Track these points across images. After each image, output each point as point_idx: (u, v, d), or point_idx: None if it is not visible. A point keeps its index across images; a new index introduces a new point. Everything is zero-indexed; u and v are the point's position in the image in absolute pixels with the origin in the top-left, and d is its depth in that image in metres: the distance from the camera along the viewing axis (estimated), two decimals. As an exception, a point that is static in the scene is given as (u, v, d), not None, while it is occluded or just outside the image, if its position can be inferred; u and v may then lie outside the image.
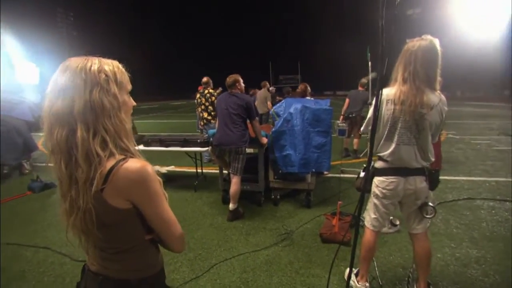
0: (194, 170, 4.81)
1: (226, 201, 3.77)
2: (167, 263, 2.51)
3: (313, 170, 3.52)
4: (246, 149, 3.40)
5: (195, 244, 2.86)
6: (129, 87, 0.88)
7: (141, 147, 4.38)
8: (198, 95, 5.65)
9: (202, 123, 5.70)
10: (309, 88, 4.69)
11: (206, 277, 2.36)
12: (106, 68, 0.80)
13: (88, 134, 0.75)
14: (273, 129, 3.65)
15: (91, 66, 0.78)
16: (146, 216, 0.85)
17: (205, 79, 5.59)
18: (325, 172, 4.00)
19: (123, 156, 0.80)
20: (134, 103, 0.91)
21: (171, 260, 2.57)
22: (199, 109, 5.68)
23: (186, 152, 4.37)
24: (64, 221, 0.83)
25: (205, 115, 5.58)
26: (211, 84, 5.69)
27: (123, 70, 0.87)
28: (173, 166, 5.70)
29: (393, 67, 1.79)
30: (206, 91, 5.49)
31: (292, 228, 3.15)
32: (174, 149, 4.32)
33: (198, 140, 4.22)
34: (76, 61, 0.78)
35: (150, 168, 0.81)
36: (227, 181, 3.74)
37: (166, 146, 4.32)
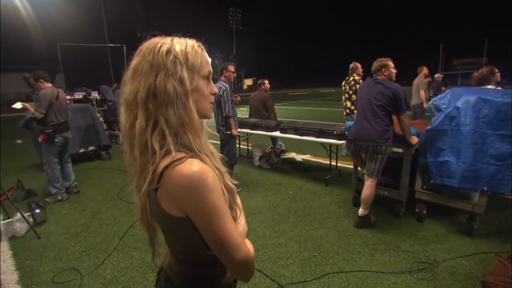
0: (328, 163, 4.57)
1: (357, 203, 3.36)
2: (279, 257, 2.50)
3: (485, 188, 2.53)
4: (389, 148, 2.84)
5: (313, 244, 2.71)
6: (206, 70, 0.74)
7: (278, 133, 4.56)
8: (343, 82, 5.26)
9: (345, 113, 5.32)
10: (497, 73, 3.26)
11: (315, 285, 2.18)
12: (177, 48, 0.69)
13: (148, 124, 0.68)
14: (429, 126, 2.86)
15: (160, 47, 0.68)
16: (200, 231, 0.69)
17: (352, 64, 5.11)
18: (508, 195, 2.82)
19: (182, 155, 0.67)
20: (215, 90, 0.77)
21: (284, 254, 2.54)
22: (343, 98, 5.30)
23: (322, 143, 4.19)
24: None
25: (348, 104, 5.15)
26: (359, 71, 5.13)
27: (199, 50, 0.73)
28: (309, 155, 5.65)
29: None
30: (351, 78, 5.02)
31: (437, 257, 2.43)
32: (308, 139, 4.24)
33: (335, 132, 3.94)
34: (149, 43, 0.71)
35: (211, 175, 0.65)
36: (361, 181, 3.31)
37: (301, 135, 4.29)
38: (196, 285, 0.81)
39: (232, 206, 0.76)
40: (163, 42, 0.70)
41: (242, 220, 0.83)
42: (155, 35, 0.74)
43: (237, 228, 0.72)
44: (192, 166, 0.64)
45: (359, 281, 2.20)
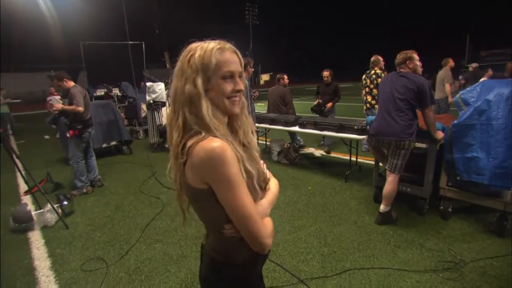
0: (348, 158, 4.48)
1: (378, 199, 3.29)
2: (299, 252, 2.50)
3: (518, 186, 2.41)
4: (412, 143, 2.75)
5: (333, 240, 2.68)
6: (225, 70, 0.81)
7: (297, 128, 4.52)
8: (363, 76, 5.13)
9: (365, 107, 5.19)
10: None
11: (335, 281, 2.16)
12: (196, 54, 0.80)
13: (174, 117, 0.83)
14: (456, 121, 2.74)
15: (187, 54, 0.82)
16: (220, 201, 0.78)
17: (373, 58, 4.96)
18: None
19: (207, 135, 0.78)
20: (238, 87, 0.84)
21: (304, 249, 2.53)
22: (363, 92, 5.17)
23: (342, 138, 4.12)
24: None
25: (369, 98, 5.01)
26: (381, 64, 4.98)
27: (217, 53, 0.80)
28: (327, 148, 5.57)
29: None
30: (372, 72, 4.88)
31: (464, 257, 2.34)
32: (328, 134, 4.18)
33: (355, 127, 3.86)
34: (186, 50, 0.84)
35: (229, 150, 0.75)
36: (382, 177, 3.23)
37: (321, 130, 4.23)
38: (223, 254, 0.90)
39: (250, 190, 0.82)
40: (191, 49, 0.83)
41: (263, 202, 0.89)
42: (191, 42, 0.85)
43: (254, 204, 0.81)
44: (212, 142, 0.75)
45: (381, 278, 2.16)
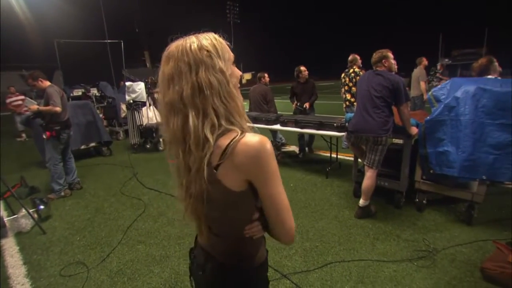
0: (329, 155, 4.59)
1: (357, 194, 3.40)
2: (282, 248, 2.54)
3: (484, 177, 2.57)
4: (389, 139, 2.87)
5: (314, 235, 2.75)
6: (232, 56, 0.80)
7: (278, 126, 4.58)
8: (343, 75, 5.25)
9: (344, 105, 5.32)
10: (495, 63, 3.27)
11: (317, 274, 2.22)
12: (205, 43, 0.75)
13: (199, 119, 0.73)
14: (428, 117, 2.88)
15: (190, 45, 0.74)
16: (261, 196, 0.78)
17: (351, 56, 5.10)
18: (507, 183, 2.85)
19: (239, 132, 0.74)
20: (240, 73, 0.84)
21: (287, 245, 2.59)
22: (342, 90, 5.29)
23: (322, 136, 4.22)
24: (181, 206, 0.87)
25: (348, 96, 5.14)
26: (359, 62, 5.12)
27: (221, 40, 0.79)
28: (307, 148, 5.67)
29: None
30: (351, 70, 5.01)
31: (437, 246, 2.48)
32: (308, 131, 4.26)
33: (335, 124, 3.95)
34: (176, 46, 0.76)
35: (269, 144, 0.74)
36: (361, 172, 3.34)
37: (301, 128, 4.30)
38: (237, 258, 0.89)
39: None
40: (190, 41, 0.75)
41: None
42: (176, 38, 0.79)
43: None
44: (253, 138, 0.73)
45: (360, 270, 2.25)
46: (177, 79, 0.74)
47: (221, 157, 0.72)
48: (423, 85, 6.49)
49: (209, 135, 0.73)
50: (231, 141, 0.72)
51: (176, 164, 0.83)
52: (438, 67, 8.70)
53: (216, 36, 0.78)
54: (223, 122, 0.74)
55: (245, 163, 0.72)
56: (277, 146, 5.14)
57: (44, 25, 22.62)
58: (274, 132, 5.53)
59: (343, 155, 5.00)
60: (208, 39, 0.76)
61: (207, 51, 0.73)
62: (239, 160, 0.72)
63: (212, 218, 0.85)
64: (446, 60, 9.17)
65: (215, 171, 0.73)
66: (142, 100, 6.18)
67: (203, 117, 0.73)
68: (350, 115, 3.50)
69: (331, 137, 4.19)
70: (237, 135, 0.73)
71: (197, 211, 0.83)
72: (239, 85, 0.83)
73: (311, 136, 5.21)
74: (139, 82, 6.34)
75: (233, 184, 0.74)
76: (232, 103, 0.76)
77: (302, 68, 5.17)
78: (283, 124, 4.49)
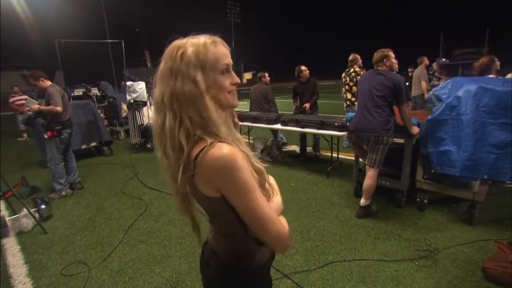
0: (330, 154, 4.59)
1: (358, 194, 3.40)
2: (283, 247, 2.54)
3: (485, 177, 2.56)
4: (390, 138, 2.87)
5: (315, 234, 2.75)
6: (222, 63, 0.77)
7: (279, 126, 4.58)
8: (343, 74, 5.25)
9: (345, 105, 5.32)
10: (497, 62, 3.26)
11: (318, 273, 2.22)
12: (189, 51, 0.74)
13: (175, 122, 0.74)
14: (430, 116, 2.88)
15: (177, 52, 0.75)
16: (236, 208, 0.75)
17: (351, 56, 5.09)
18: (508, 182, 2.84)
19: (213, 141, 0.73)
20: (236, 80, 0.81)
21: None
22: (343, 90, 5.29)
23: (323, 135, 4.21)
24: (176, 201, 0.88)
25: (349, 96, 5.14)
26: (359, 62, 5.12)
27: (211, 47, 0.76)
28: (310, 148, 5.66)
29: None
30: (352, 70, 5.01)
31: (438, 245, 2.47)
32: (309, 131, 4.26)
33: (336, 124, 3.95)
34: (171, 47, 0.77)
35: (239, 156, 0.71)
36: (362, 172, 3.34)
37: (302, 127, 4.30)
38: (236, 257, 0.88)
39: (263, 186, 0.82)
40: (180, 46, 0.76)
41: (276, 199, 0.90)
42: (175, 39, 0.79)
43: (269, 204, 0.78)
44: (221, 149, 0.70)
45: (361, 269, 2.24)
46: (162, 79, 0.76)
47: (194, 168, 0.72)
48: (424, 84, 6.48)
49: (183, 142, 0.74)
50: (200, 151, 0.72)
51: (158, 155, 0.83)
52: (434, 66, 8.69)
53: (208, 41, 0.76)
54: (197, 131, 0.74)
55: (211, 176, 0.71)
56: (278, 145, 5.14)
57: (45, 25, 22.62)
58: (275, 132, 5.53)
59: (344, 155, 5.00)
60: (195, 46, 0.75)
61: (188, 59, 0.74)
62: (204, 172, 0.71)
63: (209, 218, 0.86)
64: (443, 59, 9.17)
65: (192, 177, 0.74)
66: (143, 100, 6.19)
67: (179, 123, 0.74)
68: (351, 114, 3.50)
69: (332, 136, 4.18)
70: (206, 146, 0.71)
71: (182, 207, 0.85)
72: (234, 91, 0.81)
73: (316, 137, 5.19)
74: (140, 82, 6.34)
75: (209, 191, 0.74)
76: (205, 115, 0.74)
77: (303, 67, 5.14)
78: (284, 123, 4.49)
